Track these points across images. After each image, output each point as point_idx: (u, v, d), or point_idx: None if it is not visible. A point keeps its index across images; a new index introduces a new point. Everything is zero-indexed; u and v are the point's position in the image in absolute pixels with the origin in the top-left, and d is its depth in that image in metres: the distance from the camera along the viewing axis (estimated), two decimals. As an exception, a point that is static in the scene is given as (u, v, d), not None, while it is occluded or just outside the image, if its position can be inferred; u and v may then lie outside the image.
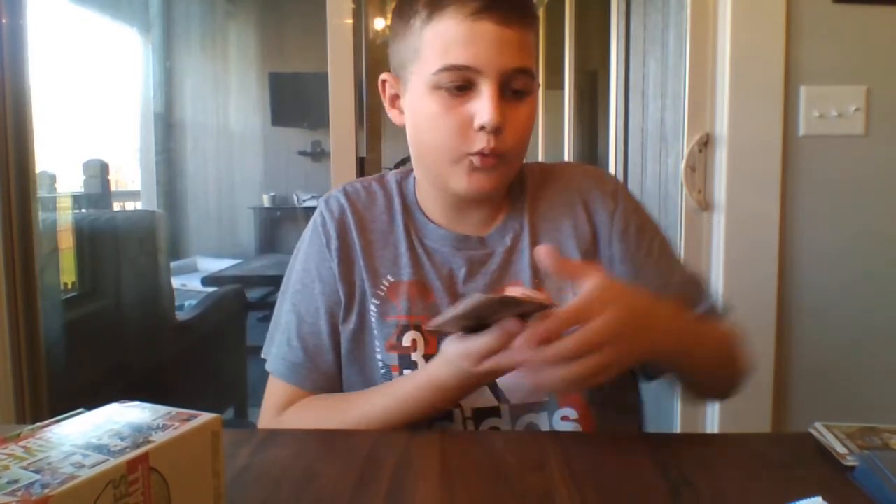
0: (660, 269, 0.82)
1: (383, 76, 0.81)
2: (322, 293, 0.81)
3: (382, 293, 0.80)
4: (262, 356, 0.86)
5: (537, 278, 0.79)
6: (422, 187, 0.84)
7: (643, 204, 0.86)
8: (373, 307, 0.80)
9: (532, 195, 0.84)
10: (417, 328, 0.78)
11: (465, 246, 0.82)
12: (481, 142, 0.72)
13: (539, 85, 0.79)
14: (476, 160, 0.73)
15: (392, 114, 0.82)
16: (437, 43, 0.72)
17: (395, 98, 0.81)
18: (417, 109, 0.76)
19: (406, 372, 0.77)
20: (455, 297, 0.79)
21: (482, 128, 0.72)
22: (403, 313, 0.78)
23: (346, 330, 0.81)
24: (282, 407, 0.80)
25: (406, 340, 0.78)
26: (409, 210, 0.84)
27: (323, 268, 0.82)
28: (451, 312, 0.62)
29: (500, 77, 0.71)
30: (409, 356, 0.78)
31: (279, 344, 0.83)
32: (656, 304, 0.67)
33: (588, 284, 0.60)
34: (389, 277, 0.80)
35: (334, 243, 0.82)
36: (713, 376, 0.79)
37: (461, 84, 0.72)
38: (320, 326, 0.81)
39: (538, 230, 0.82)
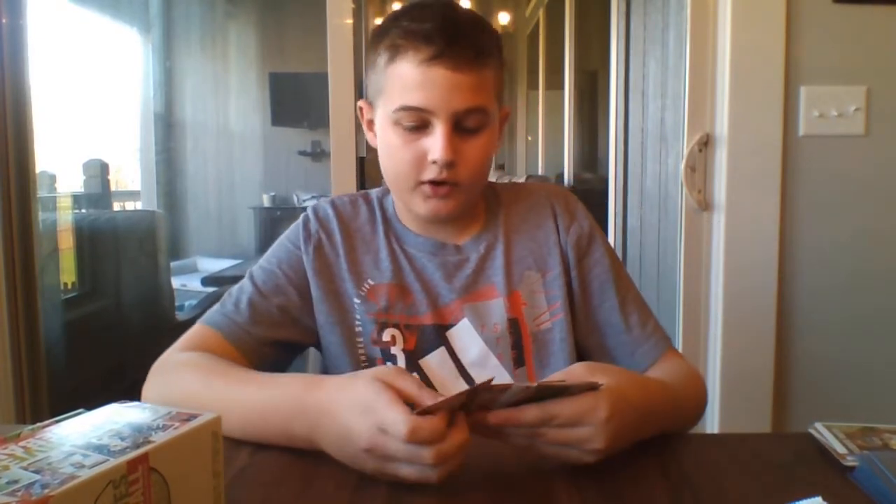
0: (601, 282, 0.88)
1: (360, 103, 0.88)
2: (284, 275, 0.85)
3: (364, 293, 0.86)
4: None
5: (509, 280, 0.86)
6: (398, 203, 0.91)
7: (598, 226, 0.93)
8: (356, 305, 0.85)
9: (507, 210, 0.92)
10: (396, 325, 0.84)
11: (442, 252, 0.88)
12: (433, 172, 0.79)
13: (500, 114, 0.85)
14: (427, 189, 0.80)
15: (369, 136, 0.89)
16: (397, 83, 0.78)
17: (371, 123, 0.87)
18: (382, 139, 0.83)
19: (388, 364, 0.83)
20: (433, 298, 0.85)
21: (435, 162, 0.78)
22: (383, 311, 0.84)
23: (324, 321, 0.85)
24: (193, 347, 0.79)
25: (386, 336, 0.84)
26: (389, 222, 0.91)
27: (293, 256, 0.87)
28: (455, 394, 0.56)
29: (452, 117, 0.77)
30: (389, 350, 0.84)
31: (224, 304, 0.84)
32: (642, 405, 0.66)
33: (583, 400, 0.59)
34: (370, 281, 0.86)
35: (313, 240, 0.87)
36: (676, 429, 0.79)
37: (417, 124, 0.78)
38: (273, 302, 0.84)
39: (511, 240, 0.89)
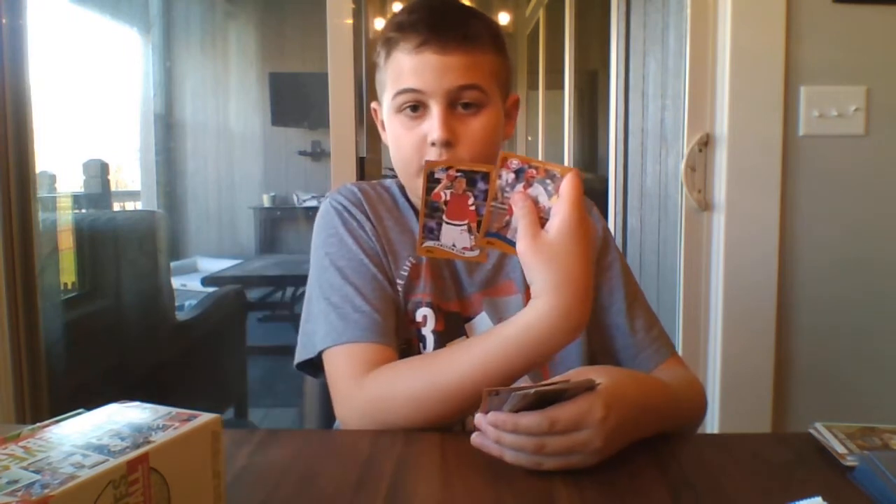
0: (612, 285, 0.90)
1: (373, 104, 0.92)
2: (372, 262, 0.83)
3: (406, 273, 0.85)
4: (301, 355, 0.82)
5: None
6: (411, 196, 0.91)
7: (610, 231, 0.95)
8: (398, 286, 0.85)
9: None
10: (429, 305, 0.83)
11: None
12: (434, 155, 0.80)
13: (501, 98, 0.85)
14: None
15: (383, 135, 0.91)
16: (394, 74, 0.83)
17: (384, 123, 0.90)
18: (388, 131, 0.87)
19: (421, 346, 0.83)
20: (458, 287, 0.86)
21: (433, 143, 0.80)
22: (420, 291, 0.84)
23: None
24: (365, 369, 0.74)
25: (418, 316, 0.84)
26: (413, 208, 0.91)
27: (366, 244, 0.85)
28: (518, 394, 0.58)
29: (447, 96, 0.80)
30: (421, 331, 0.83)
31: (337, 320, 0.79)
32: (642, 407, 0.67)
33: (583, 401, 0.61)
34: (411, 259, 0.86)
35: (366, 223, 0.86)
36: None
37: (413, 104, 0.81)
38: (385, 289, 0.82)
39: None
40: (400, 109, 0.82)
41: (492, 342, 0.69)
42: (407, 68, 0.81)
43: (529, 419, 0.58)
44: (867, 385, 1.48)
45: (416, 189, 0.85)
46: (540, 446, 0.59)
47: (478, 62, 0.81)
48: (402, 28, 0.81)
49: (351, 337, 0.77)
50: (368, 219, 0.87)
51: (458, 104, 0.81)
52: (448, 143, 0.80)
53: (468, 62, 0.80)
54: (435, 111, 0.80)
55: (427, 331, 0.84)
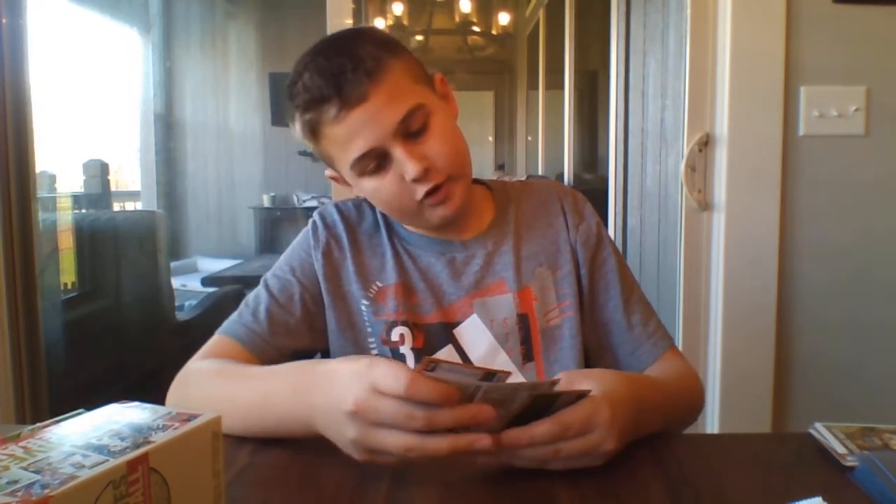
0: (607, 281, 0.89)
1: (328, 172, 0.88)
2: (299, 283, 0.87)
3: (372, 295, 0.87)
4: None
5: (519, 276, 0.87)
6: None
7: (603, 225, 0.94)
8: (363, 307, 0.86)
9: (517, 208, 0.93)
10: (405, 324, 0.85)
11: (449, 250, 0.89)
12: (422, 188, 0.80)
13: (431, 89, 0.83)
14: (428, 200, 0.81)
15: (354, 191, 0.87)
16: (336, 147, 0.80)
17: (345, 180, 0.86)
18: (363, 190, 0.84)
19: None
20: (438, 297, 0.86)
21: (415, 180, 0.78)
22: (392, 311, 0.85)
23: (335, 326, 0.86)
24: (212, 357, 0.80)
25: (395, 335, 0.85)
26: (392, 226, 0.91)
27: (305, 263, 0.88)
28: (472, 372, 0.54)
29: (397, 134, 0.78)
30: (399, 349, 0.85)
31: (242, 314, 0.85)
32: (639, 409, 0.66)
33: (579, 409, 0.59)
34: (378, 283, 0.87)
35: (322, 246, 0.88)
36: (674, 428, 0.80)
37: (378, 161, 0.79)
38: (293, 310, 0.85)
39: (522, 236, 0.90)
40: (363, 172, 0.80)
41: (269, 382, 0.69)
42: (344, 136, 0.77)
43: (542, 428, 0.57)
44: (867, 385, 1.48)
45: (417, 224, 0.87)
46: (555, 452, 0.58)
47: (397, 82, 0.78)
48: (311, 107, 0.78)
49: (234, 333, 0.82)
50: (334, 243, 0.88)
51: (409, 131, 0.78)
52: (426, 171, 0.78)
53: (390, 91, 0.76)
54: (397, 153, 0.78)
55: (405, 348, 0.84)
